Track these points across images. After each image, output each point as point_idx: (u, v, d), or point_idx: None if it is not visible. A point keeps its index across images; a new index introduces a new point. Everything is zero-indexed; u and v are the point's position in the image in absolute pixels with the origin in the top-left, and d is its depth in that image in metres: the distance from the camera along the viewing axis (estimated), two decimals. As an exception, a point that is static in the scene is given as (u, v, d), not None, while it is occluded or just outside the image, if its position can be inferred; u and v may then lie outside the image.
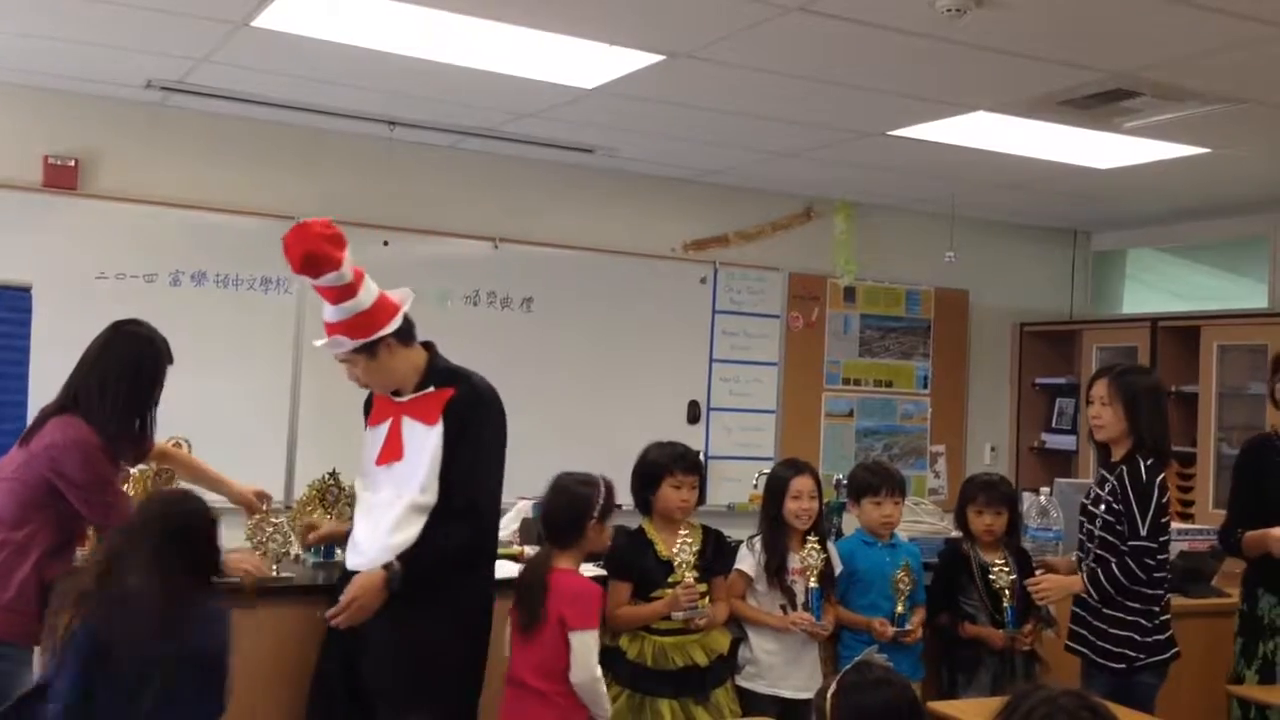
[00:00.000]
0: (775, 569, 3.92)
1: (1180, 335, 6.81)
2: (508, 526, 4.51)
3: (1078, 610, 3.90)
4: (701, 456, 5.65)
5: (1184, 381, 6.72)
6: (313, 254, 3.20)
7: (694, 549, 3.75)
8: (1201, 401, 6.60)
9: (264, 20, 4.16)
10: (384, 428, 3.44)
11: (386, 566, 3.27)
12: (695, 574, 3.73)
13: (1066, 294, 7.95)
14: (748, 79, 4.62)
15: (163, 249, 5.52)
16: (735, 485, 6.27)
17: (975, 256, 7.34)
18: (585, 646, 3.37)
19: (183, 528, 2.96)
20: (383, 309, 3.34)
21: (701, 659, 3.73)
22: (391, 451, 3.40)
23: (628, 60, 4.44)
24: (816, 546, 3.90)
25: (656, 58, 4.39)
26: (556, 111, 5.29)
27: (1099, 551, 3.83)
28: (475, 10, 3.95)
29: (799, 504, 3.95)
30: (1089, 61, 4.25)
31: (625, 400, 6.42)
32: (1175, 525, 5.23)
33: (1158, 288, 7.82)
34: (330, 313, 3.32)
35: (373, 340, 3.31)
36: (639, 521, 3.91)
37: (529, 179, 6.31)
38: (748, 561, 3.97)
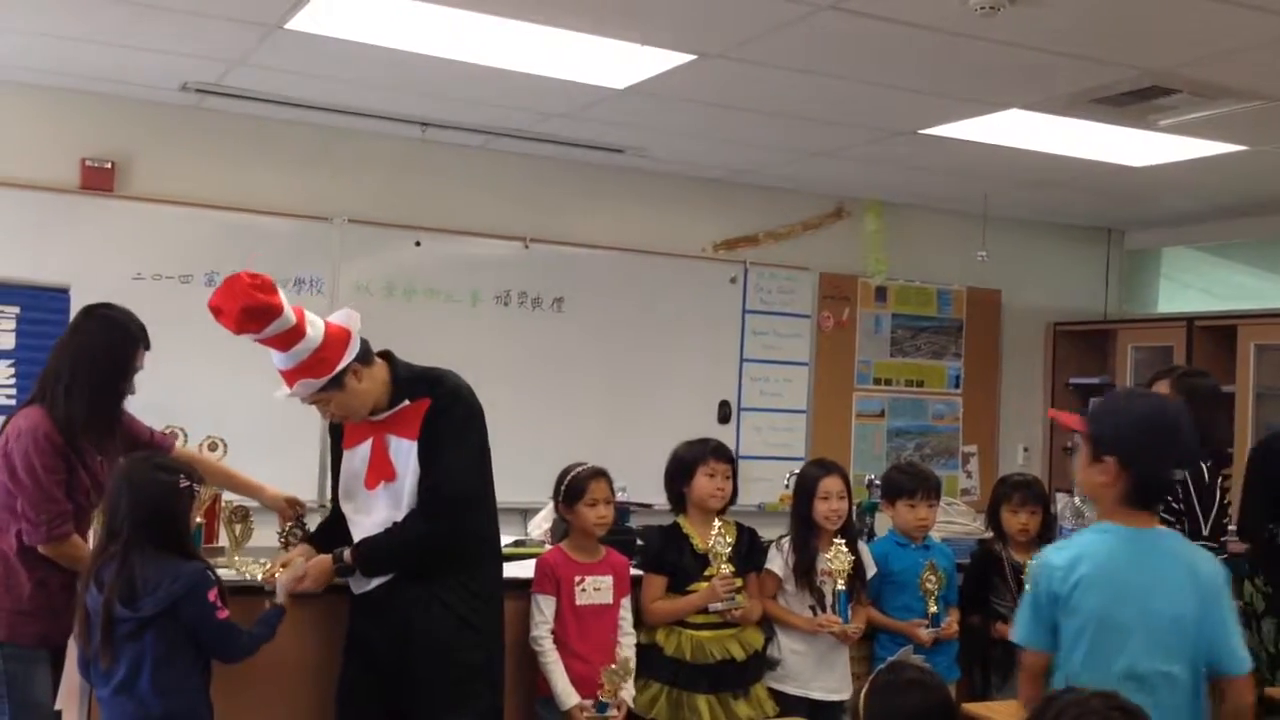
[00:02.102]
0: (805, 570, 3.92)
1: (1217, 335, 6.74)
2: (539, 526, 4.53)
3: None
4: (732, 456, 5.65)
5: (1221, 381, 6.63)
6: (250, 307, 3.07)
7: (729, 542, 3.76)
8: (1239, 401, 6.53)
9: (297, 23, 4.19)
10: (364, 448, 3.37)
11: (335, 555, 3.32)
12: (731, 567, 3.74)
13: (1100, 293, 7.88)
14: (778, 78, 4.61)
15: (198, 250, 5.57)
16: (766, 485, 6.26)
17: (1008, 256, 7.30)
18: None
19: (150, 496, 3.04)
20: (335, 339, 3.24)
21: (739, 653, 3.75)
22: (381, 472, 3.34)
23: (658, 60, 4.44)
24: (843, 549, 3.90)
25: (687, 57, 4.39)
26: (587, 111, 5.30)
27: None
28: (506, 11, 3.96)
29: (828, 504, 3.95)
30: (1123, 59, 4.21)
31: (656, 400, 6.43)
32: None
33: (1193, 287, 7.74)
34: (283, 360, 3.21)
35: (338, 373, 3.22)
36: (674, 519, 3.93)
37: (560, 179, 6.33)
38: (777, 562, 3.97)
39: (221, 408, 4.99)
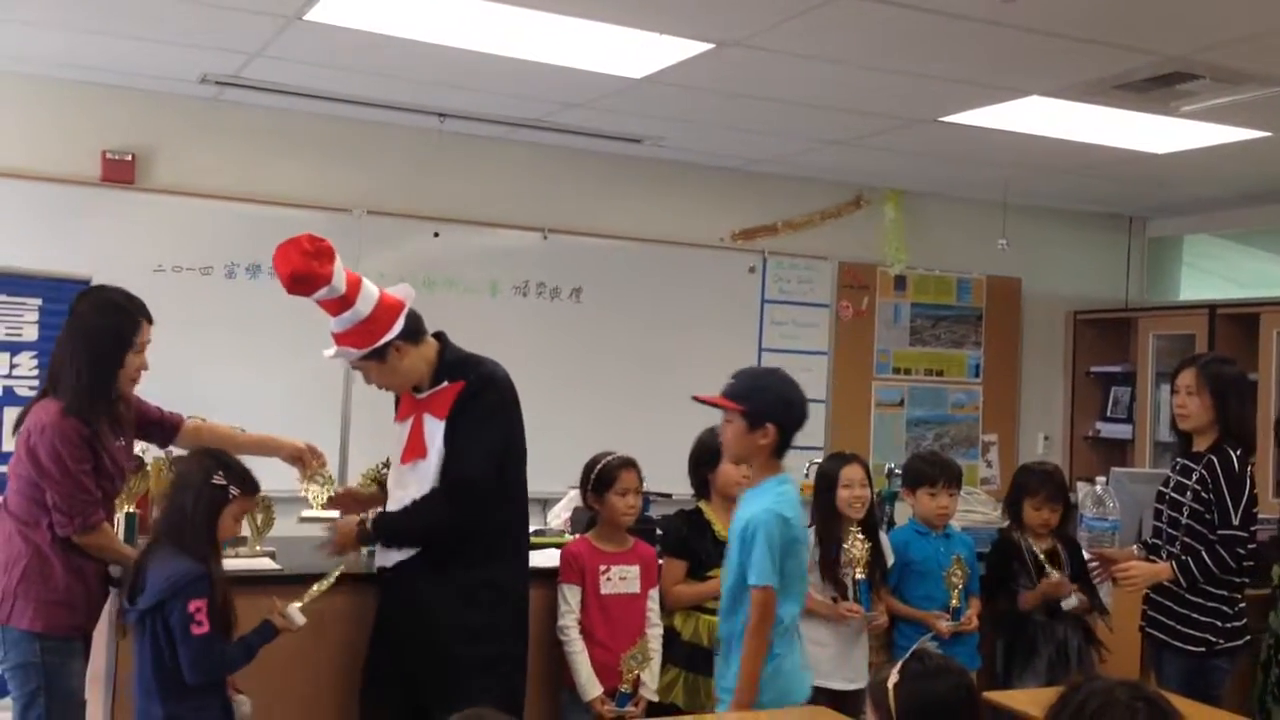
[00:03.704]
0: (828, 563, 3.91)
1: (1239, 322, 6.69)
2: (559, 515, 4.54)
3: (1155, 596, 3.90)
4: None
5: (1243, 369, 6.61)
6: (298, 273, 3.19)
7: None
8: (1261, 389, 6.48)
9: (316, 14, 4.20)
10: (408, 425, 3.44)
11: (361, 519, 3.39)
12: None
13: (1121, 281, 7.83)
14: (797, 67, 4.59)
15: (218, 242, 5.60)
16: (785, 475, 6.25)
17: (1028, 244, 7.26)
18: None
19: (177, 490, 3.07)
20: (385, 312, 3.31)
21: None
22: (415, 449, 3.40)
23: (676, 49, 4.43)
24: (860, 538, 3.90)
25: (705, 46, 4.38)
26: (605, 101, 5.30)
27: (1186, 540, 3.84)
28: (524, 1, 3.96)
29: (850, 492, 3.95)
30: (1144, 44, 4.18)
31: (674, 389, 6.37)
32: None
33: (1215, 274, 7.69)
34: (333, 324, 3.32)
35: (380, 346, 3.30)
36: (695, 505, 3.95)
37: (578, 170, 6.33)
38: (799, 552, 3.96)
39: (242, 397, 5.02)
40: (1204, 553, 3.77)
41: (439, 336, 3.48)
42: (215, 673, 3.03)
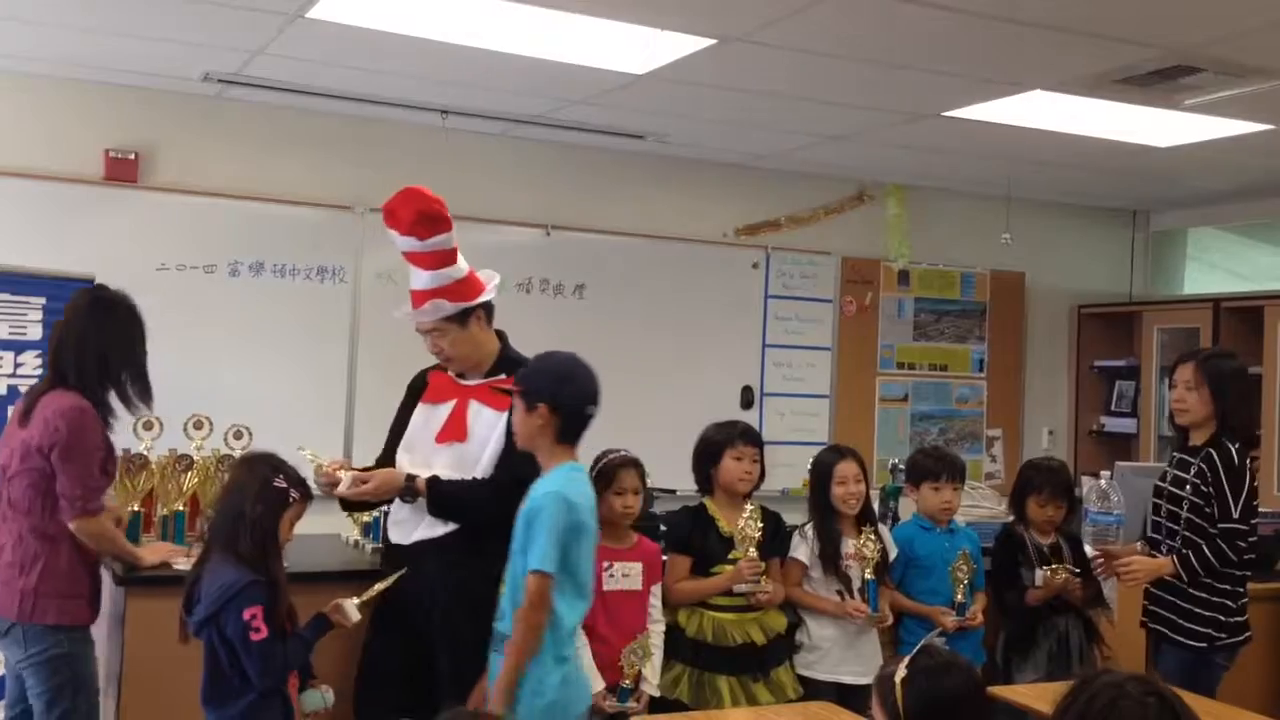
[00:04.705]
0: (830, 556, 3.91)
1: (1244, 316, 6.68)
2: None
3: (1157, 590, 3.90)
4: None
5: (1248, 363, 6.58)
6: (427, 212, 3.26)
7: (759, 525, 3.76)
8: (1266, 382, 6.47)
9: (318, 11, 4.20)
10: (446, 407, 3.45)
11: (410, 478, 3.34)
12: (756, 551, 3.74)
13: (1125, 275, 7.82)
14: (799, 62, 4.58)
15: (221, 240, 5.60)
16: (789, 470, 6.23)
17: (1032, 238, 7.26)
18: None
19: (231, 493, 3.05)
20: (476, 280, 3.43)
21: (759, 637, 3.76)
22: (454, 431, 3.41)
23: (678, 45, 4.42)
24: (873, 537, 3.90)
25: (707, 42, 4.38)
26: (607, 98, 5.29)
27: (1187, 534, 3.83)
28: (526, -3, 3.96)
29: (845, 489, 3.95)
30: (1148, 38, 4.17)
31: (679, 386, 6.42)
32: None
33: (1220, 268, 7.67)
34: (426, 279, 3.35)
35: (471, 307, 3.37)
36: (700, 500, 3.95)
37: (581, 166, 6.32)
38: (802, 550, 3.97)
39: (246, 396, 5.02)
40: (1205, 547, 3.77)
41: (500, 334, 3.54)
42: (282, 674, 3.02)
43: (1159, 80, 4.62)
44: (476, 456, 3.36)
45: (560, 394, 3.04)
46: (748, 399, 6.69)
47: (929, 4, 3.87)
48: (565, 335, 6.18)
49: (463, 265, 3.40)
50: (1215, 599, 3.78)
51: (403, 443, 3.52)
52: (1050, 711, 1.94)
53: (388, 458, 3.53)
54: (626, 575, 3.72)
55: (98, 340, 3.31)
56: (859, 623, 3.88)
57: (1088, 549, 4.16)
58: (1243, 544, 3.76)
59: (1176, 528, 3.87)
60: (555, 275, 6.27)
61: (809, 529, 3.99)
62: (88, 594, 3.33)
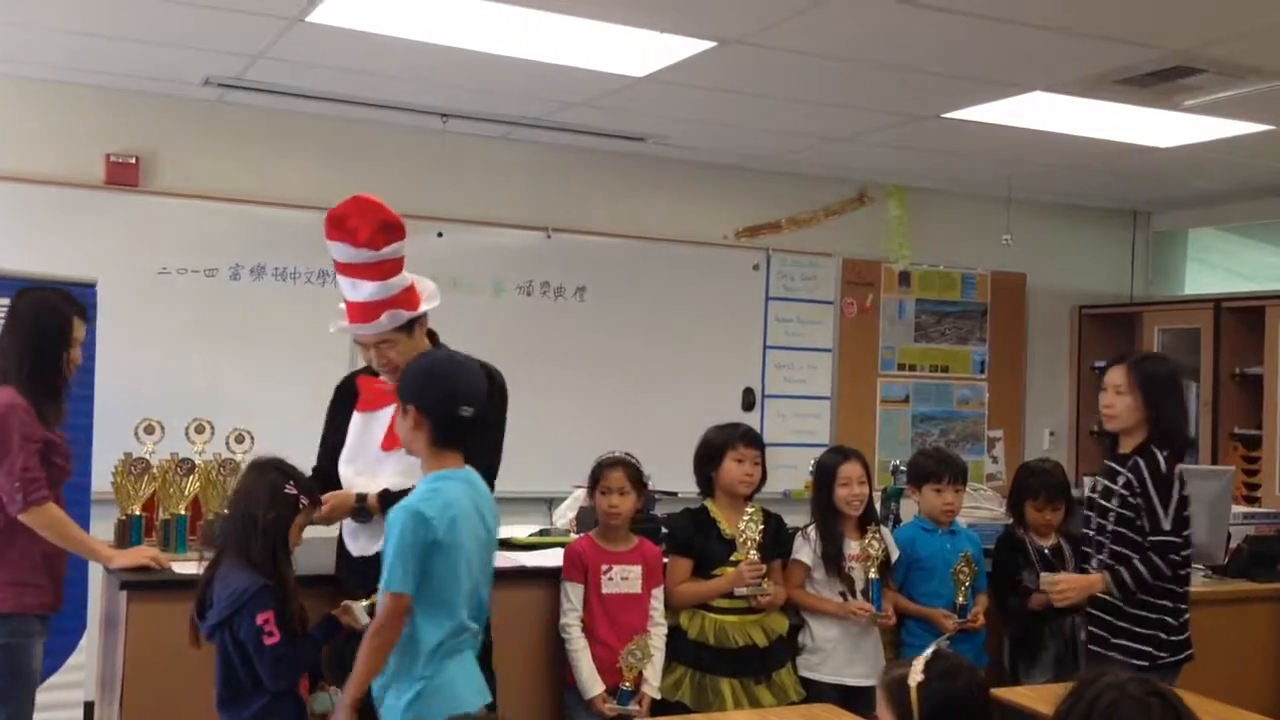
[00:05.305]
0: (833, 557, 3.91)
1: (1245, 316, 6.69)
2: (564, 515, 4.54)
3: (1094, 610, 3.70)
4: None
5: (1249, 363, 6.61)
6: (388, 221, 3.18)
7: (760, 527, 3.76)
8: (1267, 383, 6.47)
9: (318, 15, 4.20)
10: (385, 413, 3.33)
11: (361, 497, 3.29)
12: (757, 554, 3.74)
13: (1126, 276, 7.82)
14: (799, 64, 4.59)
15: (222, 244, 5.60)
16: (791, 472, 6.25)
17: (1032, 239, 7.26)
18: None
19: (241, 498, 3.06)
20: (415, 288, 3.34)
21: (761, 639, 3.76)
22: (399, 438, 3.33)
23: (678, 48, 4.43)
24: (878, 536, 3.90)
25: (707, 44, 4.38)
26: (607, 100, 5.29)
27: (1115, 548, 3.63)
28: (526, 1, 3.95)
29: (848, 490, 3.95)
30: (1147, 39, 4.17)
31: (680, 388, 6.42)
32: (1240, 509, 5.18)
33: (1221, 268, 7.67)
34: (373, 290, 3.22)
35: (420, 315, 3.31)
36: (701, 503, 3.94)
37: (581, 168, 6.33)
38: (805, 551, 3.97)
39: (248, 400, 5.03)
40: (1136, 561, 3.56)
41: (431, 334, 3.46)
42: (296, 676, 3.02)
43: (1159, 81, 4.62)
44: None
45: (428, 395, 2.90)
46: (749, 401, 6.69)
47: (928, 6, 3.87)
48: (566, 338, 6.25)
49: (407, 275, 3.30)
50: (1154, 616, 3.58)
51: (344, 455, 3.43)
52: (1051, 713, 1.94)
53: (325, 468, 3.45)
54: (626, 578, 3.73)
55: (26, 337, 3.40)
56: (862, 623, 3.88)
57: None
58: (1176, 557, 3.56)
59: (1105, 540, 3.67)
60: (556, 278, 6.28)
61: (812, 530, 3.99)
62: (42, 582, 3.36)
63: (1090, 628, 3.73)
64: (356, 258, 3.20)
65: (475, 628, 2.94)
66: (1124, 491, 3.61)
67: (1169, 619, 3.60)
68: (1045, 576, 3.83)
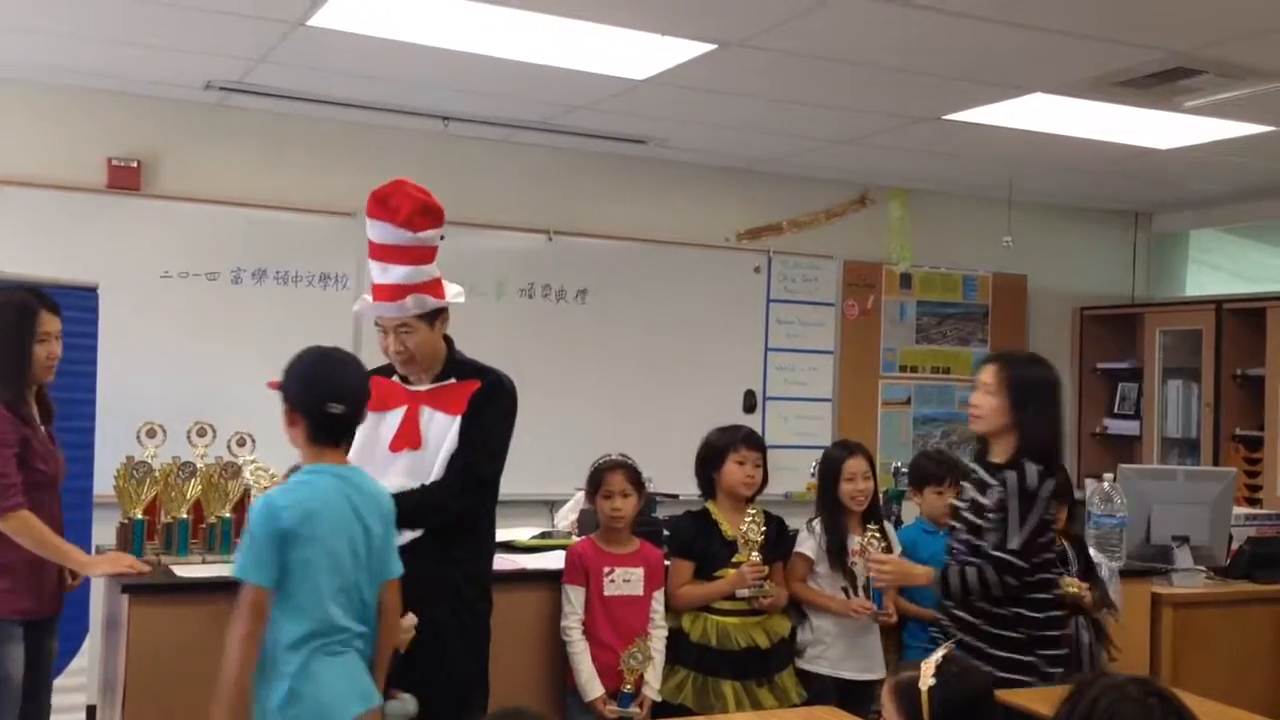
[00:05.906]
0: (836, 551, 3.92)
1: (1246, 317, 6.69)
2: (565, 517, 4.54)
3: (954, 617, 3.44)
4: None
5: (1250, 365, 6.61)
6: (428, 204, 3.24)
7: (761, 529, 3.76)
8: (1268, 384, 6.47)
9: (319, 19, 4.21)
10: (396, 415, 3.37)
11: None
12: (759, 555, 3.74)
13: (1127, 277, 7.82)
14: (800, 66, 4.59)
15: (224, 247, 5.61)
16: (792, 474, 6.24)
17: (1033, 241, 7.26)
18: None
19: None
20: (441, 281, 3.38)
21: (763, 641, 3.76)
22: (409, 438, 3.36)
23: (679, 50, 4.43)
24: (878, 535, 3.89)
25: (708, 47, 4.38)
26: (608, 103, 5.30)
27: (963, 555, 3.42)
28: (527, 4, 3.96)
29: (853, 485, 3.95)
30: (1148, 40, 4.17)
31: (681, 390, 6.43)
32: (1242, 510, 5.18)
33: (1222, 269, 7.67)
34: (402, 274, 3.26)
35: (444, 306, 3.34)
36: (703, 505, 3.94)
37: (582, 171, 6.33)
38: (808, 544, 3.97)
39: (249, 403, 5.00)
40: (968, 569, 3.32)
41: (446, 339, 3.48)
42: None
43: (1160, 82, 4.63)
44: (431, 463, 3.32)
45: (295, 391, 2.88)
46: (750, 403, 6.69)
47: (929, 8, 3.87)
48: (568, 340, 6.26)
49: (434, 265, 3.35)
50: (1005, 654, 3.29)
51: (352, 455, 3.34)
52: (1051, 714, 1.94)
53: None
54: (628, 580, 3.73)
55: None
56: (862, 621, 3.87)
57: (1092, 552, 4.16)
58: (1013, 580, 3.27)
59: (960, 547, 3.44)
60: (557, 280, 6.28)
61: (816, 524, 3.99)
62: (20, 587, 3.33)
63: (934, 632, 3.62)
64: (393, 238, 3.25)
65: (358, 629, 2.83)
66: (985, 501, 3.36)
67: (1022, 656, 3.29)
68: (876, 555, 3.61)
